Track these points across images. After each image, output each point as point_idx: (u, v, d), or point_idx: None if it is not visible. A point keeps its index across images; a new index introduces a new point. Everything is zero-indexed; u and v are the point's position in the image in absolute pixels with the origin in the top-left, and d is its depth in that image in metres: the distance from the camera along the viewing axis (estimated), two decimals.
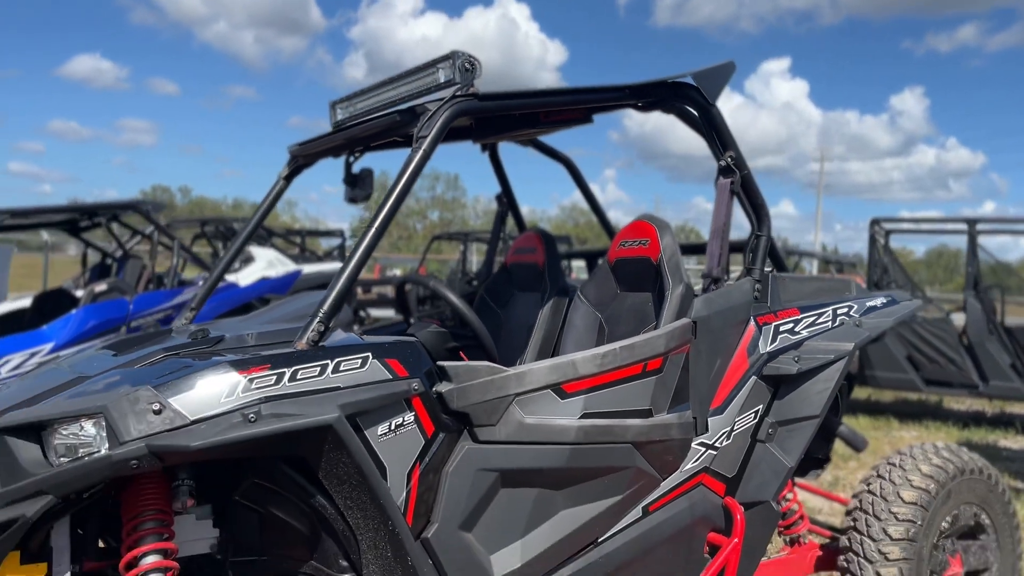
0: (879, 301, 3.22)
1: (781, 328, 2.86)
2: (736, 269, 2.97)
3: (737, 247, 3.01)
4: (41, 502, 1.87)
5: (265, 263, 8.41)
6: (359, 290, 11.39)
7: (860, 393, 11.10)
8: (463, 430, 2.24)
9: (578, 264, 13.13)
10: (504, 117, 2.93)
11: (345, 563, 2.21)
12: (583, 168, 3.87)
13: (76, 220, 6.49)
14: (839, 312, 3.04)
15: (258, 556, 2.34)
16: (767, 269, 2.93)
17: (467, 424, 2.23)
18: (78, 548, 2.14)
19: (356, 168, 2.89)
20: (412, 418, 2.13)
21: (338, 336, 2.22)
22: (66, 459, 1.90)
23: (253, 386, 1.94)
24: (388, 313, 11.44)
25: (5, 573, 2.00)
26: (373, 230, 2.23)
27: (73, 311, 5.31)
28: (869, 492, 3.00)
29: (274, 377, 1.96)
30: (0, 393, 2.23)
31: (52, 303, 6.60)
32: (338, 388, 2.02)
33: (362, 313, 10.39)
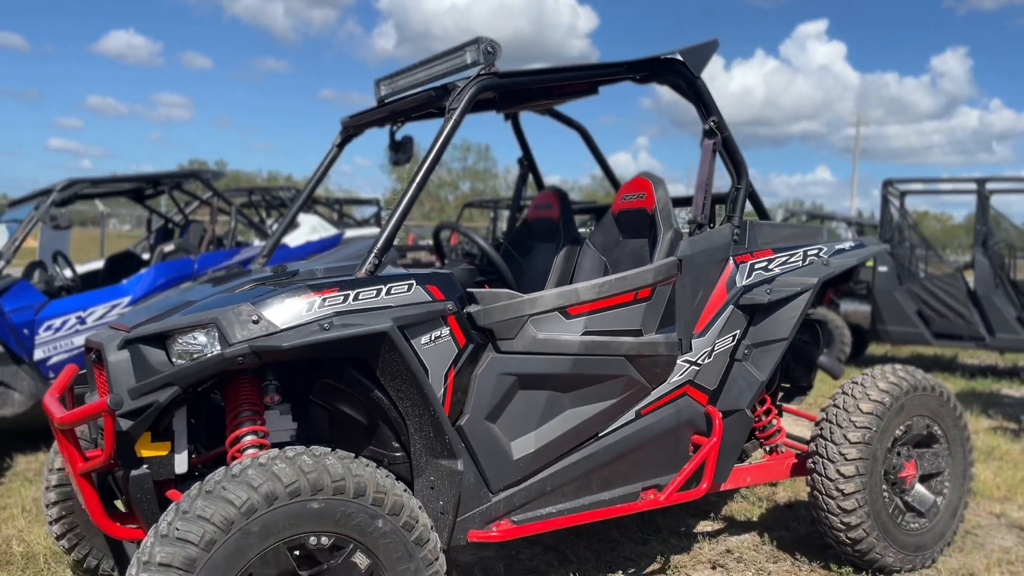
0: (848, 244, 3.74)
1: (756, 266, 3.40)
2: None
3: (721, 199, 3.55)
4: (169, 391, 2.47)
5: (309, 228, 9.02)
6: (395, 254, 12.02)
7: (877, 349, 11.54)
8: (488, 342, 2.81)
9: None
10: (522, 91, 3.47)
11: (397, 445, 2.81)
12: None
13: (142, 188, 7.15)
14: (810, 253, 3.56)
15: (328, 445, 2.95)
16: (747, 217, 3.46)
17: (491, 338, 2.81)
18: (191, 433, 2.75)
19: (398, 136, 3.46)
20: (447, 332, 2.71)
21: (389, 269, 2.80)
22: (183, 361, 2.50)
23: (326, 304, 2.53)
24: None
25: (140, 449, 2.62)
26: (415, 184, 2.79)
27: (147, 269, 5.96)
28: (834, 406, 3.54)
29: (342, 297, 2.55)
30: (127, 316, 2.84)
31: (121, 264, 7.29)
32: (390, 306, 2.60)
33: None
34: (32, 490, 4.76)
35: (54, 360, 5.46)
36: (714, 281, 3.28)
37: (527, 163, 4.39)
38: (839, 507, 3.38)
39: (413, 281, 2.68)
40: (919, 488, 3.62)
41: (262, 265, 3.59)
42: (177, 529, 2.07)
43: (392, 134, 3.46)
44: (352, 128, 3.66)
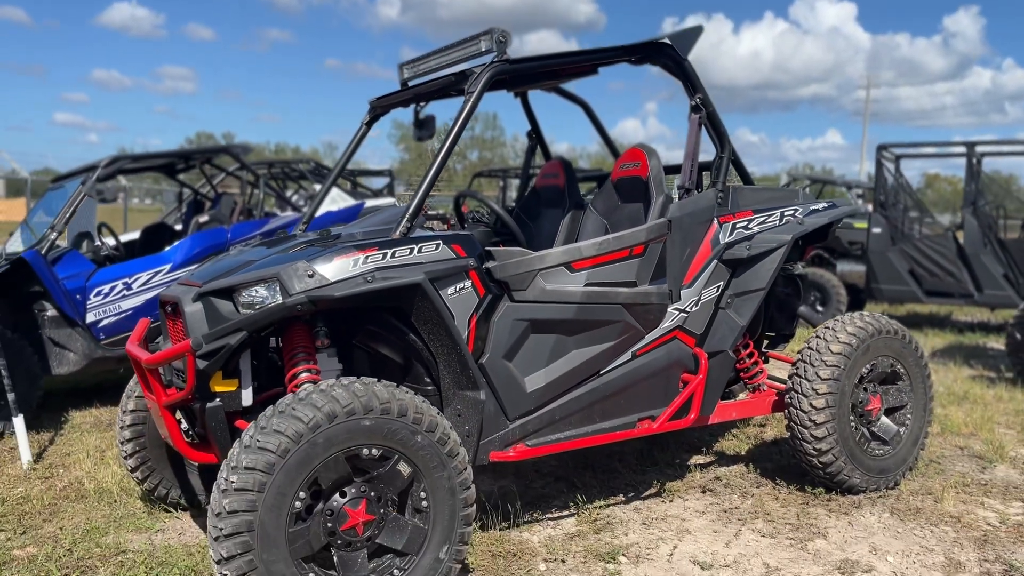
0: (821, 205, 4.19)
1: (738, 225, 3.86)
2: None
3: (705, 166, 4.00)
4: (239, 335, 2.96)
5: (328, 199, 9.50)
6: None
7: (876, 308, 11.99)
8: (504, 293, 3.29)
9: None
10: (531, 73, 3.91)
11: (428, 380, 3.30)
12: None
13: (174, 163, 7.62)
14: (786, 213, 4.02)
15: None
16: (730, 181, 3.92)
17: (506, 289, 3.29)
18: (255, 372, 3.25)
19: (422, 115, 3.91)
20: (469, 284, 3.19)
21: (419, 231, 3.28)
22: (249, 310, 2.99)
23: (368, 261, 3.01)
24: None
25: (214, 385, 3.12)
26: (439, 159, 3.25)
27: (185, 238, 6.44)
28: (809, 348, 4.02)
29: (381, 255, 3.03)
30: (195, 274, 3.33)
31: (156, 234, 7.80)
32: (422, 263, 3.08)
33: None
34: (92, 438, 5.29)
35: (104, 323, 5.97)
36: (700, 239, 3.74)
37: (536, 136, 4.84)
38: (811, 435, 3.87)
39: (440, 241, 3.16)
40: (884, 420, 4.10)
41: (304, 231, 4.07)
42: (258, 440, 2.57)
43: (416, 113, 3.92)
44: (380, 108, 4.12)
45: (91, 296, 5.95)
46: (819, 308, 10.29)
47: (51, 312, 5.83)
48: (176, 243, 6.44)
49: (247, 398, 3.18)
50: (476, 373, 3.18)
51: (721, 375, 3.81)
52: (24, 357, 5.43)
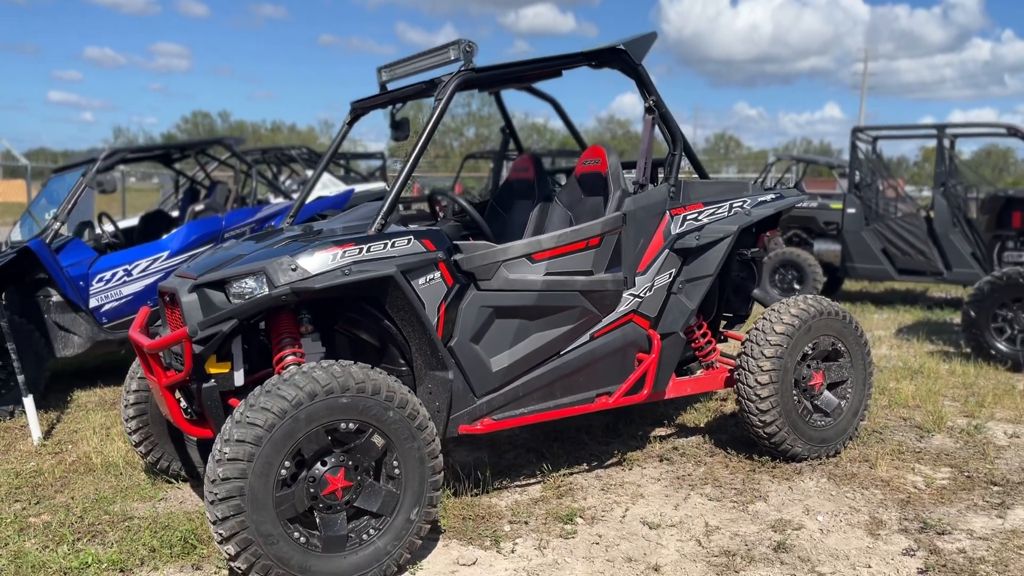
0: (769, 196, 4.53)
1: (688, 217, 4.20)
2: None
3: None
4: (230, 323, 3.31)
5: (320, 185, 9.82)
6: (400, 207, 12.80)
7: (854, 286, 12.36)
8: (471, 283, 3.64)
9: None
10: (496, 79, 4.24)
11: (403, 362, 3.66)
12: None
13: (170, 153, 7.94)
14: (735, 205, 4.36)
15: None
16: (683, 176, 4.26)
17: (473, 279, 3.64)
18: (246, 354, 3.60)
19: (398, 117, 4.24)
20: (439, 275, 3.54)
21: (393, 227, 3.61)
22: (239, 300, 3.33)
23: (346, 255, 3.35)
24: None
25: (208, 368, 3.48)
26: (411, 160, 3.59)
27: (181, 227, 6.78)
28: (756, 329, 4.37)
29: (357, 250, 3.37)
30: (190, 267, 3.67)
31: (154, 221, 8.13)
32: (394, 256, 3.42)
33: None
34: (98, 416, 5.66)
35: (106, 307, 6.32)
36: (653, 230, 4.09)
37: (508, 131, 5.17)
38: (757, 408, 4.24)
39: (412, 236, 3.50)
40: (827, 394, 4.47)
41: (290, 224, 4.41)
42: (248, 416, 2.92)
43: (392, 115, 4.25)
44: (360, 109, 4.45)
45: (93, 282, 6.29)
46: (796, 286, 10.66)
47: (56, 298, 6.17)
48: (173, 231, 6.77)
49: (239, 379, 3.53)
50: (445, 355, 3.53)
51: (673, 354, 4.17)
52: (32, 341, 5.78)
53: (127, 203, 11.63)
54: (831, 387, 4.50)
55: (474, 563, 3.35)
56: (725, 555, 3.38)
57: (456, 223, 4.06)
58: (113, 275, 6.36)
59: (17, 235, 6.76)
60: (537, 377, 3.82)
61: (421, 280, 3.49)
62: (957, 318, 9.44)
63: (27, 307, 6.16)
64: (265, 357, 3.78)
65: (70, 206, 6.34)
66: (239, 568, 2.92)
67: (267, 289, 3.29)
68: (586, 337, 3.94)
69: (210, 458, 2.94)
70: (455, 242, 3.65)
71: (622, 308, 4.02)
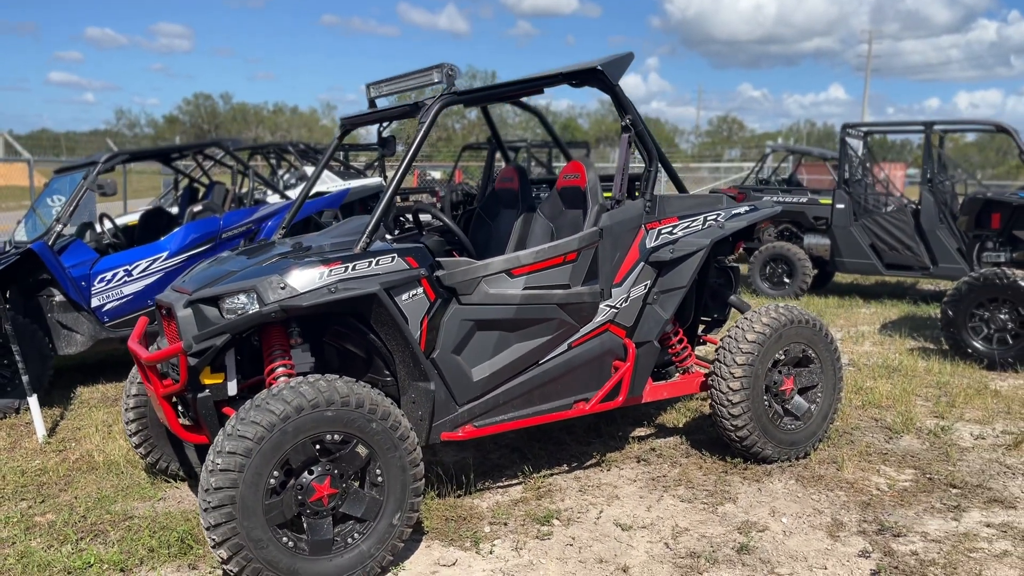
0: (743, 209, 4.71)
1: (663, 231, 4.38)
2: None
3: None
4: (223, 337, 3.50)
5: (318, 181, 10.00)
6: (398, 198, 12.97)
7: (845, 279, 12.53)
8: (452, 297, 3.83)
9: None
10: (479, 99, 4.41)
11: (387, 372, 3.86)
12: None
13: (169, 153, 8.12)
14: (709, 218, 4.54)
15: (337, 374, 4.00)
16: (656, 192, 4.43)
17: (454, 294, 3.83)
18: (238, 366, 3.80)
19: (385, 134, 4.41)
20: (421, 291, 3.72)
21: (378, 244, 3.80)
22: (232, 316, 3.52)
23: (332, 274, 3.53)
24: (425, 217, 13.04)
25: (203, 379, 3.67)
26: (395, 179, 3.76)
27: (180, 228, 6.96)
28: (728, 337, 4.56)
29: (343, 268, 3.55)
30: (186, 281, 3.86)
31: (154, 220, 8.31)
32: (378, 274, 3.61)
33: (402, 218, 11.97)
34: (100, 414, 5.87)
35: (108, 307, 6.52)
36: (629, 244, 4.27)
37: (496, 141, 5.34)
38: (729, 413, 4.43)
39: (395, 254, 3.68)
40: (797, 398, 4.66)
41: (282, 236, 4.59)
42: (238, 429, 3.12)
43: (379, 133, 4.42)
44: (349, 125, 4.63)
45: (95, 282, 6.49)
46: (786, 280, 10.84)
47: (59, 298, 6.37)
48: (172, 232, 6.96)
49: (232, 389, 3.73)
50: (427, 367, 3.73)
51: (648, 361, 4.36)
52: (36, 340, 5.98)
53: (128, 191, 11.79)
54: (802, 392, 4.69)
55: (454, 564, 3.55)
56: (691, 556, 3.59)
57: (439, 239, 4.25)
58: (114, 275, 6.56)
59: (21, 235, 6.95)
60: (517, 386, 4.01)
61: (404, 296, 3.68)
62: None
63: (30, 307, 6.36)
64: (258, 365, 3.97)
65: (72, 208, 6.52)
66: (231, 571, 3.12)
67: (257, 306, 3.47)
68: (564, 347, 4.13)
69: (204, 468, 3.14)
70: (438, 259, 3.83)
71: (599, 319, 4.20)
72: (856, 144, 10.74)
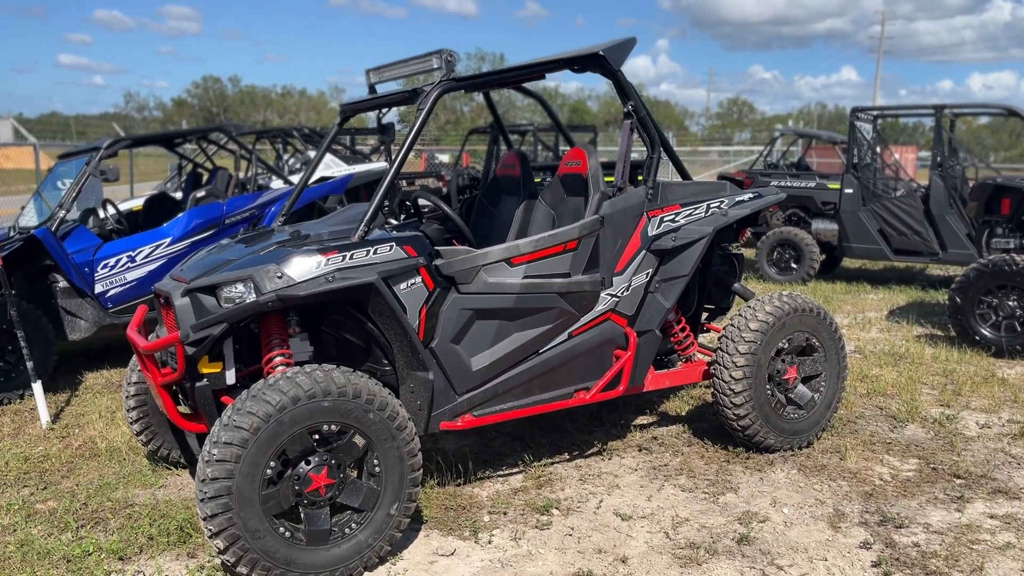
0: (747, 196, 4.65)
1: (665, 219, 4.33)
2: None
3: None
4: (220, 327, 3.49)
5: (322, 165, 9.97)
6: (403, 183, 12.93)
7: (853, 263, 12.45)
8: (451, 286, 3.80)
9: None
10: (480, 85, 4.36)
11: (386, 361, 3.84)
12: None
13: (173, 138, 8.09)
14: (712, 206, 4.49)
15: (336, 362, 3.98)
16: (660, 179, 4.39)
17: (453, 283, 3.80)
18: (237, 355, 3.79)
19: (384, 121, 4.38)
20: (420, 280, 3.70)
21: (376, 233, 3.77)
22: (229, 305, 3.50)
23: (330, 263, 3.51)
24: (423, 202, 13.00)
25: (201, 368, 3.66)
26: (394, 167, 3.73)
27: (183, 213, 6.95)
28: (732, 325, 4.52)
29: (341, 257, 3.53)
30: (184, 269, 3.84)
31: (158, 205, 8.30)
32: (376, 263, 3.58)
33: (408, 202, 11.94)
34: (104, 400, 5.89)
35: (111, 293, 6.52)
36: (631, 232, 4.23)
37: (497, 128, 5.29)
38: (731, 402, 4.40)
39: (394, 243, 3.65)
40: (801, 387, 4.62)
41: (282, 223, 4.57)
42: (234, 419, 3.11)
43: (379, 119, 4.39)
44: (349, 111, 4.59)
45: (98, 268, 6.49)
46: (794, 265, 10.77)
47: (62, 284, 6.38)
48: (175, 218, 6.94)
49: (230, 378, 3.72)
50: (426, 356, 3.71)
51: (649, 351, 4.33)
52: (40, 326, 5.99)
53: (136, 171, 11.79)
54: (805, 380, 4.66)
55: (452, 554, 3.55)
56: (690, 547, 3.57)
57: (439, 227, 4.22)
58: (117, 261, 6.55)
59: (25, 220, 6.95)
60: (516, 375, 3.99)
61: (403, 285, 3.65)
62: None
63: (34, 293, 6.36)
64: (257, 354, 3.96)
65: (75, 194, 6.51)
66: (228, 561, 3.12)
67: (255, 296, 3.45)
68: (564, 336, 4.10)
69: (200, 458, 3.13)
70: (436, 248, 3.80)
71: (600, 307, 4.17)
72: (866, 128, 10.63)
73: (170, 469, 4.50)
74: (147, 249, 6.67)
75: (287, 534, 3.21)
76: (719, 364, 4.45)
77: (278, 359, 3.67)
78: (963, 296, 6.87)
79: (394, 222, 4.28)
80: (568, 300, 4.06)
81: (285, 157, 11.72)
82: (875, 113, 10.88)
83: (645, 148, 4.34)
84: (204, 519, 3.09)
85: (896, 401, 5.51)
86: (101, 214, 7.17)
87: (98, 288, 6.49)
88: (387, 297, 3.56)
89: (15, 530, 3.81)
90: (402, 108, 4.39)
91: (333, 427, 3.26)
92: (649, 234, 4.28)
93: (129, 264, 6.60)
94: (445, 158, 25.43)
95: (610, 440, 4.83)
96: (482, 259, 3.84)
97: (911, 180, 10.59)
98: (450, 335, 3.80)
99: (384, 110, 4.38)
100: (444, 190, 13.26)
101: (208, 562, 3.49)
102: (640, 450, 4.69)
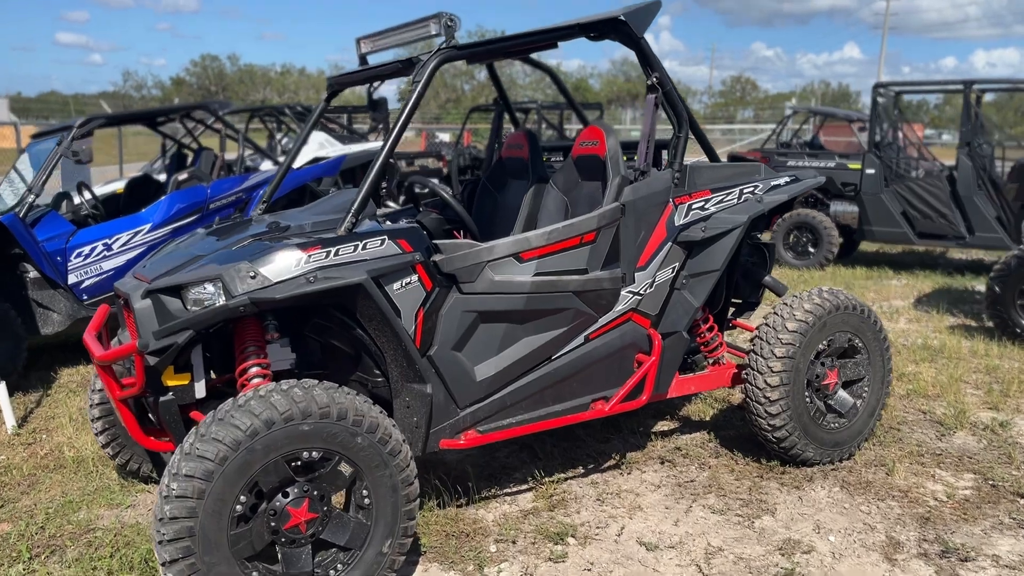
0: (783, 180, 4.15)
1: (694, 206, 3.84)
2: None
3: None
4: (185, 334, 3.00)
5: (316, 145, 9.45)
6: (403, 163, 12.41)
7: (869, 247, 11.95)
8: (452, 285, 3.32)
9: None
10: (484, 54, 3.86)
11: (378, 372, 3.36)
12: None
13: (155, 116, 7.57)
14: (745, 191, 3.99)
15: (321, 371, 3.51)
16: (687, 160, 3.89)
17: (454, 281, 3.31)
18: (208, 364, 3.31)
19: (376, 95, 3.88)
20: (416, 278, 3.21)
21: (366, 224, 3.28)
22: (197, 308, 3.02)
23: (311, 260, 3.02)
24: (433, 182, 12.47)
25: (166, 380, 3.19)
26: (386, 148, 3.24)
27: (163, 198, 6.45)
28: (766, 325, 4.04)
29: (324, 253, 3.04)
30: (147, 266, 3.36)
31: (141, 187, 7.80)
32: (366, 259, 3.10)
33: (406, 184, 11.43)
34: (77, 400, 5.42)
35: (86, 284, 6.04)
36: (655, 222, 3.73)
37: (503, 104, 4.78)
38: (766, 411, 3.93)
39: (385, 236, 3.17)
40: (841, 393, 4.15)
41: (262, 211, 4.07)
42: (197, 448, 2.64)
43: (370, 94, 3.89)
44: (337, 85, 4.08)
45: (72, 258, 6.00)
46: (811, 249, 10.26)
47: (33, 274, 5.90)
48: (155, 202, 6.45)
49: (200, 391, 3.25)
50: (423, 367, 3.23)
51: (675, 355, 3.85)
52: (8, 320, 5.51)
53: (125, 151, 11.26)
54: (846, 385, 4.18)
55: None
56: None
57: (438, 216, 3.73)
58: (92, 249, 6.07)
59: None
60: (526, 385, 3.51)
61: (396, 285, 3.17)
62: (979, 285, 9.06)
63: (3, 284, 5.89)
64: (232, 359, 3.48)
65: (44, 177, 6.02)
66: None
67: (224, 299, 2.97)
68: (580, 339, 3.62)
69: (158, 493, 2.66)
70: (435, 241, 3.31)
71: (620, 307, 3.69)
72: (886, 104, 10.10)
73: (140, 485, 4.05)
74: (124, 236, 6.18)
75: None
76: (752, 369, 3.97)
77: (254, 370, 3.19)
78: (1002, 285, 6.38)
79: (393, 205, 3.75)
80: (585, 299, 3.58)
81: (278, 136, 11.20)
82: (897, 89, 10.33)
83: (671, 126, 3.84)
84: (163, 564, 2.62)
85: (940, 404, 5.04)
86: (76, 199, 6.68)
87: (72, 278, 6.01)
88: (378, 299, 3.08)
89: None
90: (403, 86, 3.89)
91: (314, 454, 2.79)
92: (676, 223, 3.79)
93: (105, 253, 6.12)
94: (445, 137, 24.85)
95: (629, 451, 4.36)
96: (487, 254, 3.35)
97: (934, 160, 10.07)
98: (451, 341, 3.32)
99: (376, 84, 3.88)
100: (444, 170, 12.74)
101: None
102: (663, 463, 4.23)
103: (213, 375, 3.57)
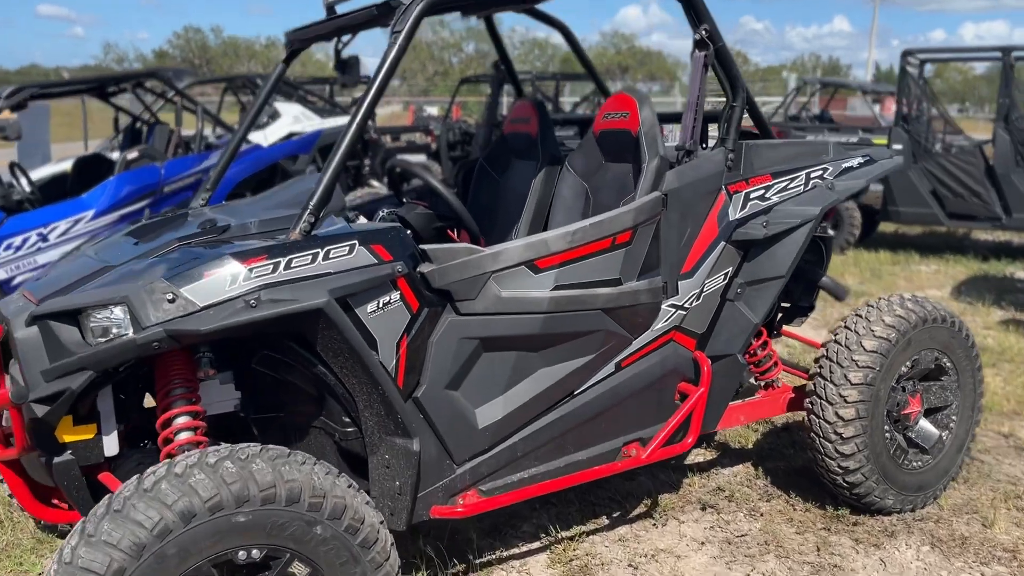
0: (856, 161, 3.35)
1: (752, 195, 3.03)
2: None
3: (713, 117, 3.15)
4: (83, 376, 2.19)
5: (291, 119, 8.59)
6: (388, 138, 11.51)
7: (887, 228, 11.16)
8: (446, 304, 2.51)
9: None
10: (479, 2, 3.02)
11: (347, 419, 2.56)
12: None
13: (104, 86, 6.69)
14: (812, 176, 3.19)
15: (276, 413, 2.71)
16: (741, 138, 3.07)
17: (449, 299, 2.50)
18: (122, 410, 2.50)
19: (344, 54, 3.05)
20: (398, 296, 2.40)
21: (330, 223, 2.46)
22: (102, 339, 2.20)
23: (253, 275, 2.21)
24: (420, 157, 11.59)
25: (62, 435, 2.38)
26: (357, 120, 2.41)
27: (109, 179, 5.61)
28: (835, 342, 3.25)
29: (271, 266, 2.23)
30: (38, 283, 2.53)
31: (91, 168, 6.92)
32: (328, 274, 2.28)
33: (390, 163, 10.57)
34: None
35: (18, 280, 5.21)
36: (703, 215, 2.93)
37: (504, 67, 3.95)
38: (837, 451, 3.15)
39: (355, 241, 2.35)
40: (923, 423, 3.37)
41: (205, 201, 3.23)
42: (81, 557, 1.84)
43: (338, 52, 3.05)
44: (297, 42, 3.23)
45: (0, 250, 5.17)
46: (830, 231, 9.46)
47: None
48: (99, 184, 5.59)
49: (111, 446, 2.44)
50: (407, 415, 2.42)
51: (728, 385, 3.07)
52: None
53: (90, 125, 10.36)
54: (928, 413, 3.41)
55: None
56: None
57: (425, 209, 2.90)
58: (24, 240, 5.24)
59: None
60: (542, 429, 2.72)
61: (371, 306, 2.35)
62: (1020, 271, 8.31)
63: None
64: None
65: None
66: None
67: (132, 330, 2.16)
68: (610, 368, 2.82)
69: None
70: (423, 246, 2.49)
71: (660, 325, 2.89)
72: (914, 74, 9.29)
73: (60, 541, 3.24)
74: (63, 225, 5.34)
75: None
76: (819, 398, 3.19)
77: (180, 420, 2.38)
78: None
79: (378, 185, 2.89)
80: (617, 318, 2.77)
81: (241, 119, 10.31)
82: (924, 56, 9.50)
83: (723, 94, 3.02)
84: None
85: (1022, 424, 4.27)
86: (7, 181, 5.82)
87: (1, 274, 5.17)
88: (344, 328, 2.27)
89: None
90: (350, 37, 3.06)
91: (255, 553, 1.99)
92: (730, 218, 2.98)
93: (40, 244, 5.28)
94: (434, 111, 23.86)
95: (660, 491, 3.58)
96: (492, 262, 2.54)
97: (965, 135, 9.28)
98: (445, 378, 2.51)
99: (344, 38, 3.04)
100: (433, 146, 11.86)
101: None
102: (703, 508, 3.45)
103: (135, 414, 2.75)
